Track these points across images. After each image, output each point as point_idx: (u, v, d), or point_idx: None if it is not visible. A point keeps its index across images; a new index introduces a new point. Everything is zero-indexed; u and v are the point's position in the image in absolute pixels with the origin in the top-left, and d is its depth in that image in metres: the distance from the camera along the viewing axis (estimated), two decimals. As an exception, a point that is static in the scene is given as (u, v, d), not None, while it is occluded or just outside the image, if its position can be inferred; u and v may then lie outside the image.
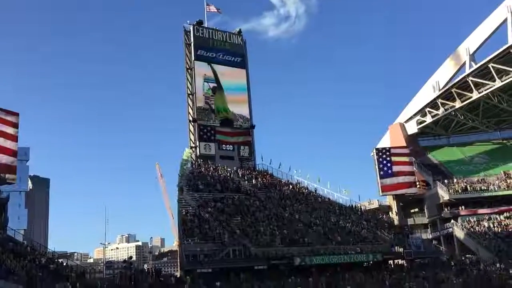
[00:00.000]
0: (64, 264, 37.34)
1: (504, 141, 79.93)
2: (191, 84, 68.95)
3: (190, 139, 67.51)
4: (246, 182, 59.49)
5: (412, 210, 74.12)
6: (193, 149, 66.02)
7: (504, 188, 65.75)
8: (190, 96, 68.75)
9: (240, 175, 61.30)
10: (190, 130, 67.96)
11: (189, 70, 69.76)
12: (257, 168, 67.27)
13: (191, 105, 68.36)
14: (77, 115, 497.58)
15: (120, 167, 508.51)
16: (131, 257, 46.73)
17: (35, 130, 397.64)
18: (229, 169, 62.02)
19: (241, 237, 43.62)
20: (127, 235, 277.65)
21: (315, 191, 63.06)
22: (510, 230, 60.06)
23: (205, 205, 49.77)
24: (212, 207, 49.46)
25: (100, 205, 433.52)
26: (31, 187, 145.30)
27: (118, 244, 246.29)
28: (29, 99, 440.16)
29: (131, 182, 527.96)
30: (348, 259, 44.92)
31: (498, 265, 51.47)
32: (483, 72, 64.22)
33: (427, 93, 74.05)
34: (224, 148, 66.85)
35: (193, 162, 63.94)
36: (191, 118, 67.80)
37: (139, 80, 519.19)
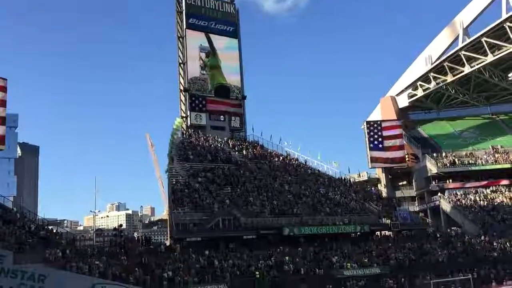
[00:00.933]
0: (54, 231, 37.50)
1: (494, 116, 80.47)
2: (182, 53, 68.09)
3: (181, 109, 67.15)
4: (236, 152, 59.61)
5: (401, 183, 75.07)
6: (184, 119, 65.75)
7: (492, 163, 66.58)
8: (182, 65, 67.98)
9: (230, 146, 61.36)
10: (181, 100, 67.50)
11: (181, 39, 68.72)
12: (248, 139, 67.30)
13: (182, 75, 67.68)
14: (66, 85, 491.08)
15: (110, 136, 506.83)
16: (121, 225, 46.97)
17: (24, 97, 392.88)
18: (220, 140, 62.03)
19: (231, 207, 44.00)
20: (117, 204, 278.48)
21: (305, 162, 63.41)
22: (495, 203, 61.11)
23: (196, 175, 49.94)
24: (203, 177, 49.64)
25: (90, 174, 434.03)
26: (20, 154, 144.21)
27: (108, 212, 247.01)
28: (18, 66, 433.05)
29: (121, 151, 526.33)
30: (336, 230, 45.62)
31: (482, 237, 52.60)
32: (476, 47, 64.11)
33: (419, 66, 73.98)
34: (215, 119, 66.58)
35: (184, 132, 63.76)
36: (182, 88, 67.26)
37: (130, 49, 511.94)
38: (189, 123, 64.97)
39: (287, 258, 39.64)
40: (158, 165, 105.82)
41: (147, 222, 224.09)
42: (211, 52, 68.32)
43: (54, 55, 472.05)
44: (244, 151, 60.54)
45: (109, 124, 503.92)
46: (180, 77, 67.99)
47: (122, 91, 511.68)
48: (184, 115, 66.13)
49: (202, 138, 61.34)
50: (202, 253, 38.12)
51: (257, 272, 36.40)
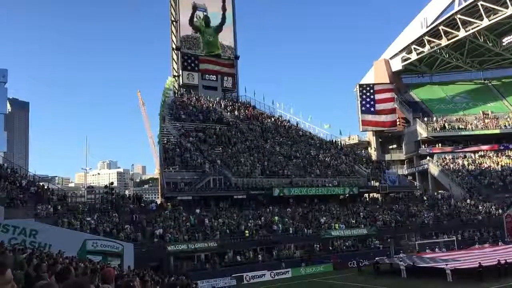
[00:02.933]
0: (46, 187, 37.66)
1: (486, 81, 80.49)
2: (174, 11, 66.69)
3: (173, 68, 66.36)
4: (228, 113, 59.48)
5: (391, 146, 75.60)
6: (176, 78, 65.08)
7: (482, 128, 67.06)
8: (174, 23, 66.71)
9: (222, 106, 61.14)
10: (173, 59, 66.61)
11: (173, -4, 67.12)
12: (240, 100, 67.00)
13: (174, 33, 66.51)
14: (58, 42, 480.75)
15: (102, 93, 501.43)
16: (112, 183, 47.09)
17: (14, 53, 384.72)
18: (211, 100, 61.70)
19: (222, 167, 44.31)
20: (108, 162, 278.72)
21: (297, 124, 63.51)
22: (483, 168, 61.95)
23: (187, 134, 49.97)
24: (194, 137, 49.70)
25: (81, 131, 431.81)
26: (10, 110, 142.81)
27: (100, 170, 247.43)
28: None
29: (113, 109, 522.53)
30: (325, 191, 46.26)
31: (468, 201, 53.66)
32: (471, 10, 63.37)
33: (414, 29, 73.15)
34: (208, 78, 65.90)
35: (176, 91, 63.28)
36: (174, 46, 66.24)
37: (122, 7, 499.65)
38: (181, 83, 64.38)
39: (276, 218, 40.34)
40: (150, 124, 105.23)
41: (138, 180, 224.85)
42: (204, 10, 66.88)
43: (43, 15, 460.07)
44: (236, 112, 60.41)
45: (98, 75, 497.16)
46: (172, 35, 66.86)
47: (114, 48, 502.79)
48: (176, 74, 65.43)
49: (194, 97, 60.97)
50: (193, 211, 38.63)
51: (246, 231, 37.10)
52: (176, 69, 65.82)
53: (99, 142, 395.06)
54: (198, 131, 51.18)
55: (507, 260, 29.66)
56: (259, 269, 33.99)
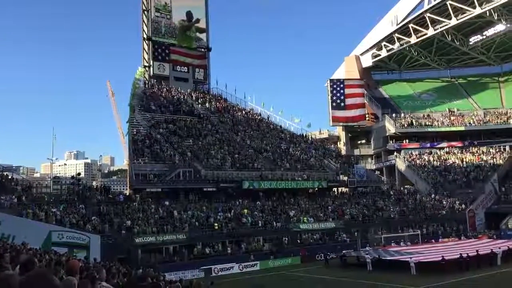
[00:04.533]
0: (10, 177, 36.69)
1: (453, 80, 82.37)
2: (146, 0, 65.70)
3: (144, 58, 65.53)
4: (199, 105, 59.16)
5: (359, 141, 76.78)
6: (147, 68, 64.24)
7: (448, 125, 68.70)
8: (145, 12, 65.76)
9: (193, 98, 60.76)
10: (144, 49, 65.72)
11: (145, -16, 66.09)
12: (212, 92, 66.73)
13: (145, 22, 65.58)
14: (23, 30, 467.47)
15: (70, 80, 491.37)
16: (79, 173, 46.23)
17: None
18: (182, 91, 61.23)
19: (192, 159, 44.08)
20: (75, 152, 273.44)
21: (268, 118, 63.71)
22: (448, 164, 63.57)
23: (157, 125, 49.48)
24: (164, 128, 49.26)
25: (48, 120, 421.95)
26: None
27: (66, 160, 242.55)
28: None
29: (81, 98, 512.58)
30: (294, 185, 46.61)
31: (433, 196, 55.05)
32: (441, 9, 64.65)
33: (384, 26, 74.19)
34: (179, 70, 65.34)
35: (146, 82, 62.50)
36: (145, 36, 65.32)
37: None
38: (151, 73, 63.62)
39: (245, 211, 40.43)
40: (119, 115, 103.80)
41: (106, 171, 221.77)
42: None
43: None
44: (207, 104, 60.14)
45: (67, 63, 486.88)
46: (144, 25, 65.91)
47: (83, 36, 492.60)
48: (147, 64, 64.60)
49: (164, 88, 60.39)
50: (162, 203, 38.35)
51: (216, 224, 37.08)
52: (147, 59, 64.99)
53: (66, 133, 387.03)
54: (169, 123, 50.74)
55: (469, 254, 30.61)
56: (227, 262, 34.08)
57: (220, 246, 36.12)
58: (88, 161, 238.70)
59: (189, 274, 30.47)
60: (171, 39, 65.03)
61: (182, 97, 59.52)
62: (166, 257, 33.64)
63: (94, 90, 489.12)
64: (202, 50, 67.93)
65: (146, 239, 32.93)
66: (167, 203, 38.59)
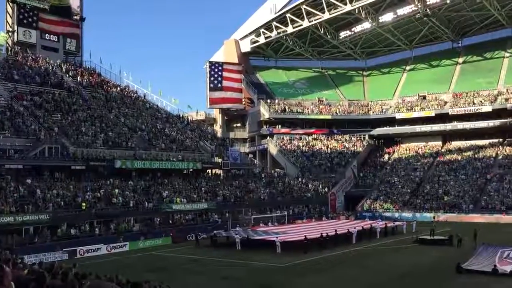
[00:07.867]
0: None
1: (323, 70, 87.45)
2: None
3: (7, 22, 59.33)
4: (70, 78, 55.55)
5: (235, 125, 78.43)
6: (10, 34, 58.40)
7: (317, 113, 73.05)
8: (9, -30, 59.52)
9: (64, 70, 56.82)
10: (7, 12, 59.50)
11: None
12: (84, 65, 62.95)
13: (9, -18, 59.38)
14: None
15: None
16: None
17: None
18: (51, 62, 56.82)
19: (60, 135, 41.39)
20: None
21: (144, 96, 62.07)
22: (315, 150, 67.89)
23: (20, 97, 45.49)
24: (29, 101, 45.51)
25: None
26: None
27: None
28: None
29: None
30: (169, 165, 46.23)
31: (300, 179, 58.51)
32: (316, 3, 68.01)
33: (264, 14, 76.13)
34: (48, 38, 60.30)
35: (9, 48, 56.91)
36: (9, -3, 59.19)
37: None
38: (15, 39, 58.03)
39: (116, 190, 39.25)
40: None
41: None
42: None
43: None
44: (79, 78, 56.69)
45: None
46: (7, -15, 59.65)
47: None
48: (11, 29, 58.69)
49: (30, 57, 55.53)
50: (23, 181, 35.60)
51: (83, 204, 35.48)
52: (10, 24, 59.01)
53: None
54: (34, 95, 46.96)
55: (328, 234, 33.28)
56: (95, 243, 32.91)
57: (87, 227, 34.69)
58: None
59: (51, 256, 28.88)
60: (40, 2, 59.66)
61: (50, 68, 55.29)
62: (26, 238, 31.42)
63: None
64: (75, 18, 63.57)
65: (3, 219, 30.38)
66: (29, 181, 35.91)
